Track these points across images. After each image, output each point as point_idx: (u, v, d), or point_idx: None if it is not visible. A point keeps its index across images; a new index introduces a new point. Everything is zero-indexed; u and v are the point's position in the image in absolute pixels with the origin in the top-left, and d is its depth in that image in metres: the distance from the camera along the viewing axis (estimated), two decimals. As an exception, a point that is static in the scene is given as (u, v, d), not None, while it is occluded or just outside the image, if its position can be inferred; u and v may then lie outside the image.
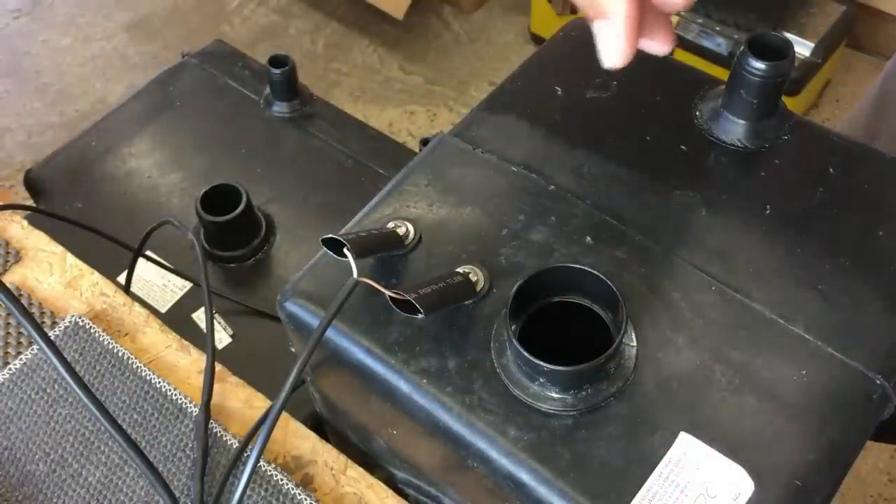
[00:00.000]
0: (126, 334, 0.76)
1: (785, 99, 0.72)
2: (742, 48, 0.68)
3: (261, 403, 0.72)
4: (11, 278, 0.79)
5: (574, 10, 1.88)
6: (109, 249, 0.91)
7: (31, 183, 1.19)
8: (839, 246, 0.65)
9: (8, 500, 0.67)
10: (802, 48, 1.66)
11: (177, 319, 1.03)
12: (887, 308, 0.62)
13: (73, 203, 1.15)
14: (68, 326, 0.74)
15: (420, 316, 0.57)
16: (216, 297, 1.03)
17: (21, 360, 0.73)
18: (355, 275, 0.57)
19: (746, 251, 0.65)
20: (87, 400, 0.62)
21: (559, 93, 0.76)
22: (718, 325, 0.61)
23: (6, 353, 0.74)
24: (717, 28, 1.69)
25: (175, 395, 0.70)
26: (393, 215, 0.68)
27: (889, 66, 1.09)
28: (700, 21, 1.71)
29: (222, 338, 1.02)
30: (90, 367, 0.72)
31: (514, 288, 0.58)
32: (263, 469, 0.66)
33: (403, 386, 0.60)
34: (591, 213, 0.67)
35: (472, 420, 0.58)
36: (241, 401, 0.72)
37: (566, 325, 0.61)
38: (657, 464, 0.55)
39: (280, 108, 1.22)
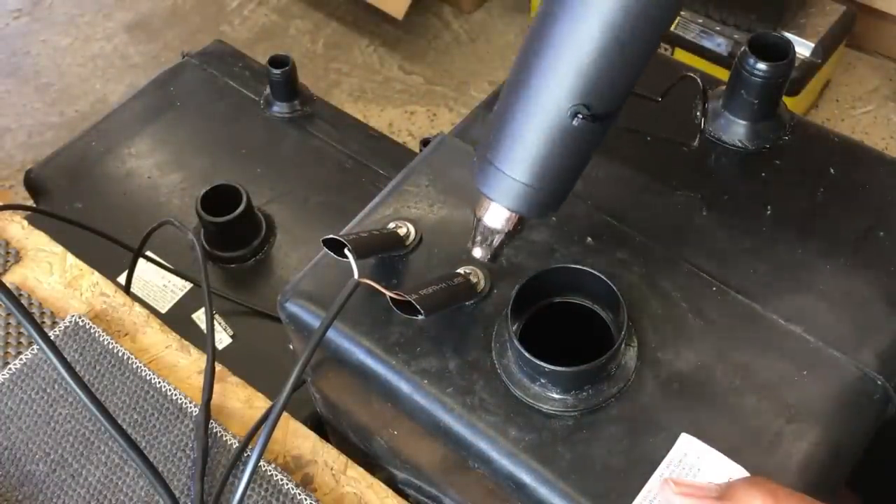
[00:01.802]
0: (126, 334, 0.76)
1: (785, 99, 0.72)
2: (743, 49, 0.68)
3: (261, 403, 0.72)
4: (11, 278, 0.79)
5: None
6: (109, 249, 0.91)
7: (32, 183, 1.19)
8: (839, 246, 0.65)
9: (8, 500, 0.67)
10: (802, 48, 1.66)
11: (177, 320, 1.03)
12: (887, 308, 0.62)
13: (73, 203, 1.15)
14: (68, 326, 0.74)
15: (420, 317, 0.57)
16: (216, 297, 1.03)
17: (21, 360, 0.73)
18: (356, 275, 0.57)
19: (747, 251, 0.65)
20: (87, 400, 0.62)
21: (560, 93, 0.75)
22: (719, 325, 0.61)
23: (6, 353, 0.74)
24: (717, 28, 1.69)
25: (175, 395, 0.70)
26: (394, 216, 0.68)
27: None
28: (700, 21, 1.71)
29: (222, 338, 1.02)
30: (90, 367, 0.72)
31: (515, 288, 0.58)
32: (263, 469, 0.66)
33: (404, 386, 0.60)
34: (591, 213, 0.67)
35: (473, 420, 0.58)
36: (241, 401, 0.72)
37: (567, 326, 0.61)
38: (658, 464, 0.55)
39: (280, 109, 1.22)
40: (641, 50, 0.52)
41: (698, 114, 0.73)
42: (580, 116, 0.52)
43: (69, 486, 0.67)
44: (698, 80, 0.56)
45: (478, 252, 0.60)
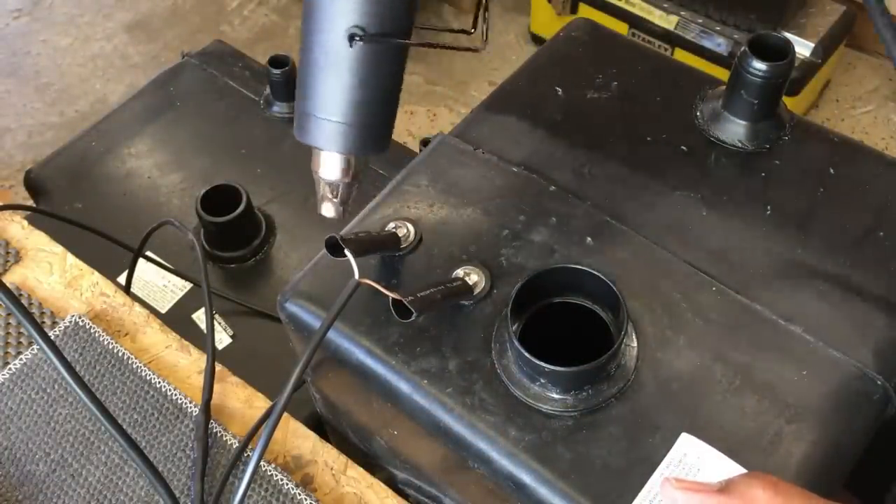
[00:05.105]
0: (126, 334, 0.76)
1: (785, 99, 0.72)
2: (743, 49, 0.68)
3: (261, 403, 0.72)
4: (11, 278, 0.79)
5: (574, 9, 1.87)
6: (109, 249, 0.91)
7: (32, 183, 1.19)
8: (839, 246, 0.65)
9: (8, 500, 0.67)
10: (802, 48, 1.66)
11: (177, 320, 1.03)
12: (887, 308, 0.62)
13: (73, 203, 1.15)
14: (68, 326, 0.74)
15: (412, 318, 0.56)
16: (216, 297, 1.03)
17: (21, 360, 0.73)
18: (357, 276, 0.57)
19: (747, 251, 0.65)
20: (87, 400, 0.62)
21: (559, 93, 0.76)
22: (719, 325, 0.61)
23: (6, 353, 0.74)
24: (717, 28, 1.69)
25: (175, 395, 0.70)
26: (393, 216, 0.68)
27: None
28: (700, 21, 1.71)
29: (222, 338, 1.02)
30: (90, 367, 0.72)
31: (515, 289, 0.58)
32: (264, 469, 0.66)
33: (404, 386, 0.60)
34: (591, 213, 0.67)
35: (473, 421, 0.58)
36: (241, 401, 0.72)
37: (567, 326, 0.61)
38: (658, 464, 0.55)
39: (280, 109, 1.22)
40: None
41: (698, 114, 0.73)
42: (357, 38, 0.52)
43: (69, 486, 0.67)
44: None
45: (328, 210, 0.59)
